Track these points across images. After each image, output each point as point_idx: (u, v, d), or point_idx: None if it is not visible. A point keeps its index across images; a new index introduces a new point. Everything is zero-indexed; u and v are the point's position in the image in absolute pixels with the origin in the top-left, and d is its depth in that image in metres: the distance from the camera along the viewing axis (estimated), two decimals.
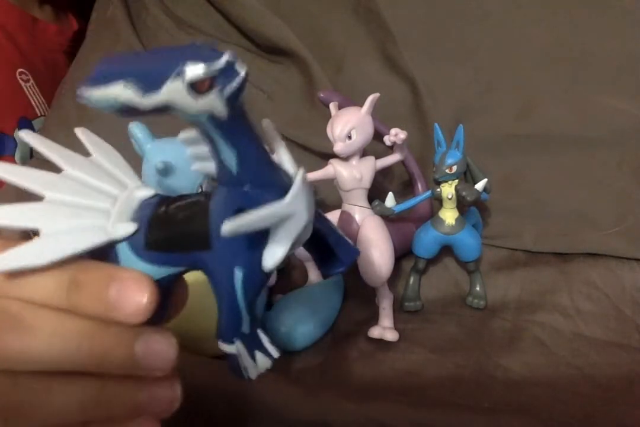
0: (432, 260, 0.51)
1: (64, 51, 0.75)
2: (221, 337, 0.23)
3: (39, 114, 0.70)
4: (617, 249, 0.51)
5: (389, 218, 0.48)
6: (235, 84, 0.17)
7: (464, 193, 0.45)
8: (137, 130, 0.37)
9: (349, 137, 0.44)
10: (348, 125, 0.44)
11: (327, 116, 0.47)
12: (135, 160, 0.38)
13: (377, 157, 0.48)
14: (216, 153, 0.20)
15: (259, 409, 0.34)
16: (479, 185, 0.46)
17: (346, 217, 0.48)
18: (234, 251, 0.21)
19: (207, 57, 0.17)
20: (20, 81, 0.67)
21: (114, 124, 0.62)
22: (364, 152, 0.47)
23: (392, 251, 0.46)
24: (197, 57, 0.17)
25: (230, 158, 0.20)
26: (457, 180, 0.46)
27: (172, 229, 0.21)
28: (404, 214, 0.51)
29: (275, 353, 0.24)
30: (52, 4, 0.73)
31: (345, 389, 0.41)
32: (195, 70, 0.17)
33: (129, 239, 0.21)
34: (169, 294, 0.23)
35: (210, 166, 0.21)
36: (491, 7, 0.57)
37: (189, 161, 0.36)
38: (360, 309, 0.51)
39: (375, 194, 0.49)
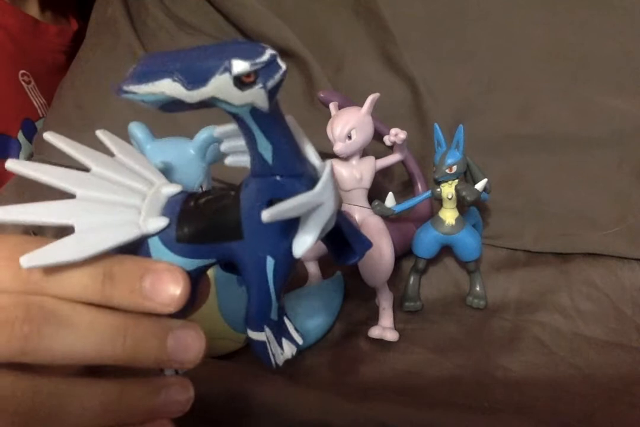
0: (432, 260, 0.51)
1: (64, 52, 0.75)
2: (251, 325, 0.24)
3: (41, 115, 0.70)
4: (617, 249, 0.51)
5: (389, 218, 0.48)
6: (277, 77, 0.18)
7: (464, 193, 0.45)
8: (137, 130, 0.37)
9: (349, 137, 0.44)
10: (348, 125, 0.44)
11: (327, 116, 0.47)
12: None
13: (377, 157, 0.48)
14: (253, 145, 0.21)
15: (259, 409, 0.34)
16: (479, 185, 0.46)
17: None
18: (265, 239, 0.22)
19: (251, 52, 0.18)
20: (23, 83, 0.67)
21: (114, 124, 0.62)
22: (364, 152, 0.47)
23: (392, 251, 0.46)
24: (242, 52, 0.18)
25: (267, 150, 0.20)
26: (457, 180, 0.46)
27: (203, 222, 0.22)
28: (404, 214, 0.51)
29: (300, 340, 0.25)
30: (53, 5, 0.73)
31: (345, 389, 0.41)
32: (241, 64, 0.17)
33: (160, 233, 0.22)
34: (196, 286, 0.24)
35: (244, 160, 0.22)
36: (491, 7, 0.57)
37: (186, 163, 0.36)
38: (360, 309, 0.51)
39: (375, 194, 0.49)
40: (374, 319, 0.49)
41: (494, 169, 0.52)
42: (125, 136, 0.39)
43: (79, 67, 0.70)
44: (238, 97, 0.18)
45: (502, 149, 0.55)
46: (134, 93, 0.19)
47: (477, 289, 0.50)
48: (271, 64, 0.18)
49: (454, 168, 0.45)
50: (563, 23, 0.56)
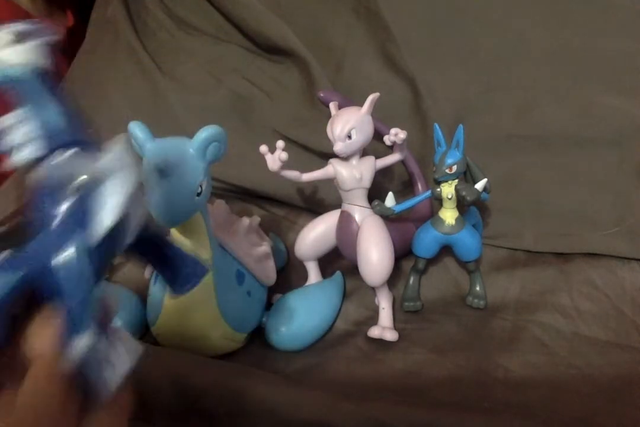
0: (432, 260, 0.51)
1: (59, 48, 0.74)
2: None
3: None
4: (617, 249, 0.51)
5: (389, 218, 0.48)
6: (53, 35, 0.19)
7: (463, 193, 0.45)
8: (137, 129, 0.37)
9: (349, 137, 0.44)
10: (348, 125, 0.44)
11: (327, 116, 0.47)
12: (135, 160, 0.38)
13: (377, 157, 0.47)
14: (40, 112, 0.21)
15: (259, 409, 0.34)
16: (479, 185, 0.46)
17: (346, 217, 0.48)
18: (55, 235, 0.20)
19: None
20: None
21: (113, 123, 0.62)
22: (364, 152, 0.47)
23: (392, 251, 0.46)
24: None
25: (56, 114, 0.21)
26: (457, 180, 0.46)
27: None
28: (404, 214, 0.51)
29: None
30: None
31: (344, 389, 0.41)
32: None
33: None
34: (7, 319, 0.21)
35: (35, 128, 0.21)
36: (491, 7, 0.57)
37: (185, 162, 0.36)
38: (360, 309, 0.51)
39: (375, 194, 0.49)
40: (373, 319, 0.49)
41: (494, 169, 0.52)
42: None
43: (79, 67, 0.70)
44: (20, 51, 0.19)
45: (502, 149, 0.55)
46: None
47: (477, 289, 0.50)
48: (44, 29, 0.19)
49: (454, 168, 0.45)
50: (563, 23, 0.56)
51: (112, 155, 0.20)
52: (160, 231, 0.28)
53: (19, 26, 0.18)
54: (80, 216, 0.20)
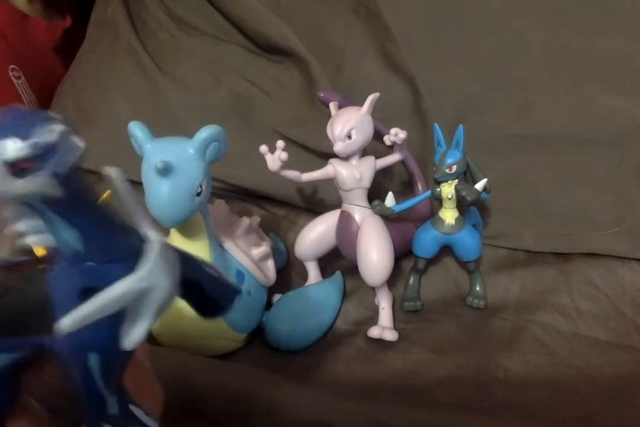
0: (432, 260, 0.51)
1: (54, 48, 0.73)
2: (88, 424, 0.20)
3: None
4: (617, 249, 0.51)
5: (389, 218, 0.48)
6: (69, 160, 0.15)
7: (463, 193, 0.45)
8: (136, 129, 0.37)
9: (349, 137, 0.44)
10: (348, 125, 0.44)
11: (327, 116, 0.47)
12: (135, 160, 0.38)
13: (377, 157, 0.47)
14: (55, 232, 0.17)
15: (259, 409, 0.34)
16: (479, 185, 0.46)
17: (346, 217, 0.48)
18: (84, 333, 0.17)
19: (32, 129, 0.14)
20: (12, 78, 0.66)
21: (113, 123, 0.62)
22: (364, 152, 0.47)
23: (392, 251, 0.46)
24: (19, 131, 0.14)
25: (71, 237, 0.17)
26: (457, 180, 0.46)
27: (1, 310, 0.18)
28: (404, 214, 0.51)
29: (154, 425, 0.21)
30: (43, 0, 0.72)
31: (344, 389, 0.41)
32: (15, 146, 0.14)
33: None
34: (11, 384, 0.19)
35: (50, 239, 0.18)
36: (491, 7, 0.57)
37: (185, 162, 0.36)
38: (360, 309, 0.51)
39: (375, 194, 0.49)
40: (373, 319, 0.49)
41: (494, 169, 0.52)
42: (125, 135, 0.39)
43: (79, 67, 0.70)
44: (19, 186, 0.14)
45: (502, 149, 0.55)
46: None
47: (477, 289, 0.50)
48: (60, 144, 0.14)
49: (454, 168, 0.45)
50: (563, 23, 0.56)
51: (147, 268, 0.17)
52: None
53: (36, 141, 0.14)
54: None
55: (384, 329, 0.47)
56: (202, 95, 0.62)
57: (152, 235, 0.19)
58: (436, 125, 0.46)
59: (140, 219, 0.19)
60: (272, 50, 0.63)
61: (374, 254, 0.45)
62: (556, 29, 0.55)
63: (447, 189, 0.46)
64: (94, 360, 0.18)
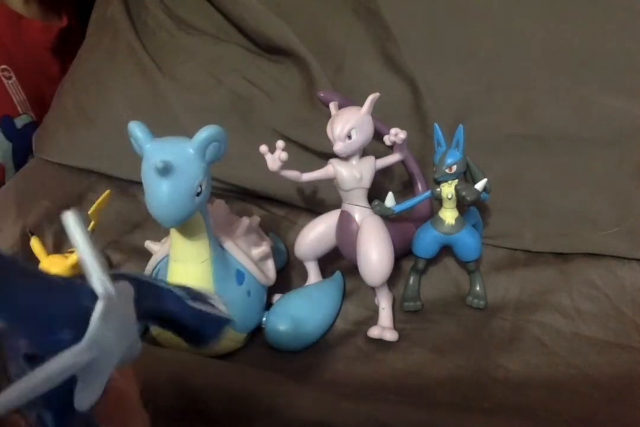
0: (432, 260, 0.51)
1: (49, 48, 0.73)
2: None
3: (20, 112, 0.69)
4: (617, 249, 0.51)
5: (389, 218, 0.48)
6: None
7: (463, 193, 0.45)
8: (136, 129, 0.37)
9: (349, 137, 0.44)
10: (348, 125, 0.44)
11: (327, 116, 0.47)
12: (135, 160, 0.38)
13: (377, 157, 0.47)
14: None
15: (259, 409, 0.34)
16: (479, 185, 0.46)
17: (346, 217, 0.48)
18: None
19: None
20: (3, 78, 0.66)
21: (113, 123, 0.62)
22: (364, 152, 0.47)
23: (392, 251, 0.46)
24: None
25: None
26: (456, 180, 0.46)
27: None
28: (404, 214, 0.51)
29: None
30: (39, 0, 0.72)
31: (344, 389, 0.41)
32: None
33: None
34: None
35: None
36: (491, 6, 0.57)
37: (185, 162, 0.36)
38: (359, 309, 0.51)
39: (375, 194, 0.49)
40: (373, 319, 0.49)
41: (494, 169, 0.52)
42: (125, 135, 0.39)
43: (79, 67, 0.70)
44: None
45: (502, 149, 0.55)
46: None
47: (477, 289, 0.50)
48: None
49: (454, 168, 0.45)
50: (563, 23, 0.55)
51: (91, 338, 0.17)
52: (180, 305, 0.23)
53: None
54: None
55: (384, 329, 0.47)
56: (202, 95, 0.62)
57: (99, 289, 0.17)
58: (436, 125, 0.46)
59: (91, 269, 0.18)
60: (272, 50, 0.63)
61: (374, 254, 0.45)
62: (556, 29, 0.55)
63: (447, 189, 0.46)
64: (48, 417, 0.17)
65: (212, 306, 0.23)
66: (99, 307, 0.17)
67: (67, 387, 0.17)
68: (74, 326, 0.17)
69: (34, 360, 0.16)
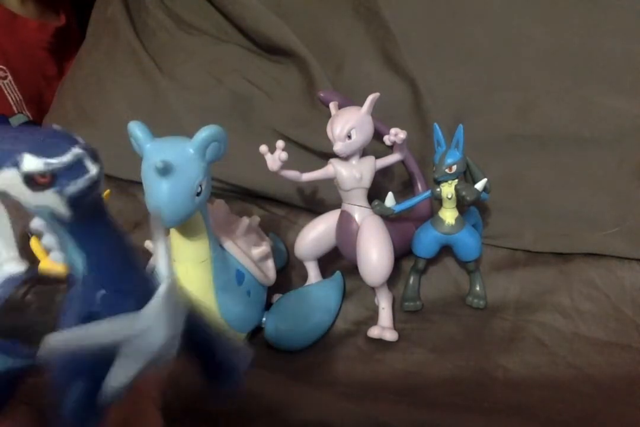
0: (432, 260, 0.51)
1: (45, 48, 0.73)
2: None
3: (16, 111, 0.69)
4: (617, 249, 0.51)
5: (388, 218, 0.48)
6: (79, 184, 0.15)
7: (463, 193, 0.45)
8: (136, 129, 0.37)
9: (349, 137, 0.44)
10: (348, 125, 0.44)
11: (327, 116, 0.47)
12: (135, 160, 0.38)
13: (377, 157, 0.47)
14: (64, 250, 0.18)
15: (259, 409, 0.34)
16: (479, 185, 0.46)
17: (346, 217, 0.48)
18: (77, 360, 0.18)
19: (52, 148, 0.15)
20: None
21: (113, 123, 0.62)
22: (364, 152, 0.47)
23: (392, 251, 0.46)
24: (40, 148, 0.15)
25: (77, 260, 0.18)
26: (456, 180, 0.46)
27: (22, 318, 0.19)
28: (404, 214, 0.51)
29: None
30: (36, 0, 0.72)
31: (344, 389, 0.41)
32: (33, 161, 0.15)
33: None
34: (13, 386, 0.20)
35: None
36: (491, 7, 0.57)
37: (185, 162, 0.36)
38: (360, 309, 0.51)
39: (375, 194, 0.49)
40: (373, 319, 0.49)
41: (494, 169, 0.52)
42: (125, 135, 0.39)
43: (79, 67, 0.70)
44: (30, 199, 0.15)
45: (502, 149, 0.55)
46: None
47: (477, 289, 0.50)
48: (75, 166, 0.15)
49: (454, 168, 0.45)
50: (563, 23, 0.55)
51: (152, 308, 0.18)
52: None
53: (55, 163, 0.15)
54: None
55: (384, 329, 0.47)
56: (202, 95, 0.62)
57: (164, 273, 0.19)
58: (436, 125, 0.46)
59: (160, 256, 0.19)
60: (272, 50, 0.63)
61: (374, 254, 0.45)
62: (556, 29, 0.55)
63: (447, 189, 0.46)
64: (77, 389, 0.18)
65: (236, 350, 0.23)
66: (162, 287, 0.18)
67: (103, 365, 0.18)
68: (139, 297, 0.18)
69: (92, 320, 0.17)
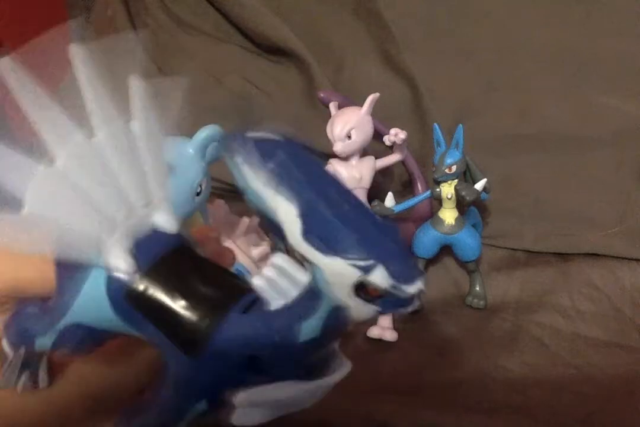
0: (432, 260, 0.51)
1: None
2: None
3: None
4: (617, 250, 0.51)
5: (388, 218, 0.48)
6: (400, 311, 0.15)
7: (463, 193, 0.45)
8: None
9: (349, 137, 0.44)
10: (348, 125, 0.44)
11: (327, 116, 0.47)
12: None
13: (377, 157, 0.47)
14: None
15: None
16: (479, 185, 0.46)
17: None
18: (206, 377, 0.16)
19: (405, 271, 0.14)
20: None
21: None
22: (364, 152, 0.47)
23: None
24: (396, 266, 0.13)
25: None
26: (456, 180, 0.46)
27: (173, 302, 0.16)
28: (404, 214, 0.51)
29: None
30: None
31: (345, 389, 0.41)
32: (380, 278, 0.13)
33: (112, 273, 0.16)
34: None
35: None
36: (491, 7, 0.57)
37: (185, 162, 0.36)
38: None
39: (375, 194, 0.49)
40: (372, 318, 0.49)
41: (494, 169, 0.52)
42: None
43: None
44: (346, 298, 0.14)
45: (502, 149, 0.55)
46: None
47: (477, 289, 0.50)
48: (410, 299, 0.14)
49: (454, 168, 0.45)
50: (563, 23, 0.56)
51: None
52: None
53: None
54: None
55: (383, 329, 0.47)
56: (202, 95, 0.62)
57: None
58: (436, 125, 0.46)
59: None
60: (272, 50, 0.63)
61: None
62: (556, 30, 0.55)
63: (447, 189, 0.46)
64: (198, 407, 0.17)
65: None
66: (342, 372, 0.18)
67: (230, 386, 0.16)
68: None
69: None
